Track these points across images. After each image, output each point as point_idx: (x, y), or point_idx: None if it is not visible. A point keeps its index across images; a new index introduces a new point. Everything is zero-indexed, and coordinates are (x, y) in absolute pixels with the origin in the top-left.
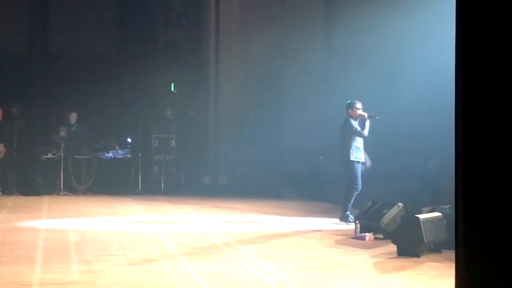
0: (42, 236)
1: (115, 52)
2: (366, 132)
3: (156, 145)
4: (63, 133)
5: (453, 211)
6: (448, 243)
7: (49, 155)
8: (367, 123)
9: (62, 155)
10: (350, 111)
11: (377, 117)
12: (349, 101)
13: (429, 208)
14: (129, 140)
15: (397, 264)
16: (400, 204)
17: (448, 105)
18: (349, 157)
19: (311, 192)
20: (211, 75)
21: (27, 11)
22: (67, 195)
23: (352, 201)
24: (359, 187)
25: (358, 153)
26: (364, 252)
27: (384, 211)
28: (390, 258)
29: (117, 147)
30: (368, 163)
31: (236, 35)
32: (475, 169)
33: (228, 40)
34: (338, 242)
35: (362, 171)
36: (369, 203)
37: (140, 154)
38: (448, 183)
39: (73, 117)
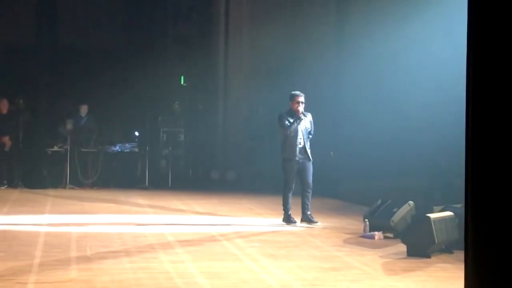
0: (43, 231)
1: (124, 45)
2: (291, 129)
3: (164, 139)
4: (69, 125)
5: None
6: (460, 243)
7: (55, 148)
8: (298, 121)
9: (69, 148)
10: (289, 102)
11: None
12: (291, 92)
13: (440, 207)
14: (136, 133)
15: (407, 265)
16: (410, 202)
17: (459, 100)
18: (282, 154)
19: (321, 189)
20: (220, 69)
21: (35, 2)
22: (73, 188)
23: (288, 203)
24: (290, 187)
25: (289, 150)
26: (372, 252)
27: (394, 210)
28: (400, 258)
29: (126, 141)
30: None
31: (246, 28)
32: (485, 168)
33: (237, 33)
34: (346, 241)
35: (299, 169)
36: (379, 201)
37: (147, 148)
38: (461, 181)
39: (83, 109)
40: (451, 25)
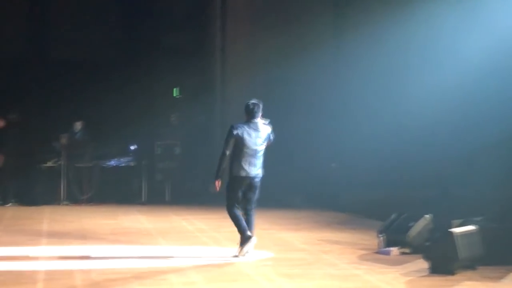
0: (42, 270)
1: (116, 56)
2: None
3: (159, 152)
4: (63, 140)
5: (488, 224)
6: (484, 259)
7: (50, 164)
8: None
9: (63, 163)
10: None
11: None
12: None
13: (460, 221)
14: (132, 147)
15: (432, 283)
16: (427, 216)
17: (463, 108)
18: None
19: (323, 202)
20: (217, 79)
21: (26, 14)
22: (68, 205)
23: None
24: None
25: None
26: (392, 269)
27: (410, 224)
28: (423, 276)
29: (121, 155)
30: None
31: (243, 37)
32: None
33: (234, 43)
34: (361, 258)
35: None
36: (393, 215)
37: (143, 162)
38: (464, 191)
39: (78, 125)
40: (454, 26)
